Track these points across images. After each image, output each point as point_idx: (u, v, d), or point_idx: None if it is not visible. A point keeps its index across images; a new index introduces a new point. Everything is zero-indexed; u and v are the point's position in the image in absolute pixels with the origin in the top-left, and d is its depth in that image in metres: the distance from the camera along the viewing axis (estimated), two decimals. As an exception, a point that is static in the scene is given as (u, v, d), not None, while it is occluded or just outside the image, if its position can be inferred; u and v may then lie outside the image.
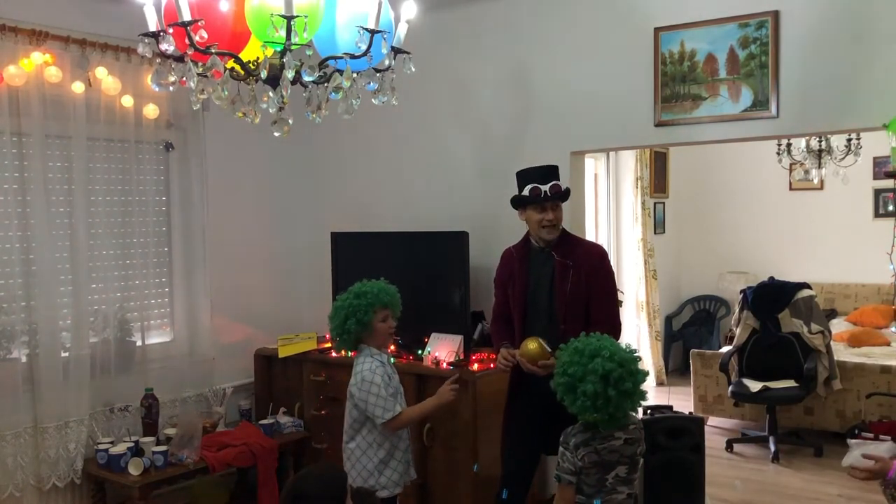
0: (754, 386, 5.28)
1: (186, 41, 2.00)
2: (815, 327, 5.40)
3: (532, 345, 3.13)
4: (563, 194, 3.22)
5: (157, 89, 2.19)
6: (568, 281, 3.17)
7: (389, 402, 3.10)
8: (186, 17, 1.96)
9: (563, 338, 2.89)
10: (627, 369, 2.60)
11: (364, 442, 3.19)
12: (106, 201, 3.99)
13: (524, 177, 3.27)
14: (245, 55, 2.19)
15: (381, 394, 3.09)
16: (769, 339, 5.48)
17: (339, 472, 2.50)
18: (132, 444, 3.76)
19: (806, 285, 5.58)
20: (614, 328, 3.17)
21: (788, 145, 6.58)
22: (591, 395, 2.54)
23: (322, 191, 5.00)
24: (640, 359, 2.72)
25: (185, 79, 2.08)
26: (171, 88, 2.16)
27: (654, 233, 7.30)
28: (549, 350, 3.05)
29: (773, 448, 5.24)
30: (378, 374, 3.13)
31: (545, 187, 3.18)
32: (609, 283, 3.27)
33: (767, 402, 5.33)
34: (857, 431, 5.05)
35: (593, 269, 3.21)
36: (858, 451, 2.64)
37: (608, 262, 3.32)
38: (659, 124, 3.78)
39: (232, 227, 4.59)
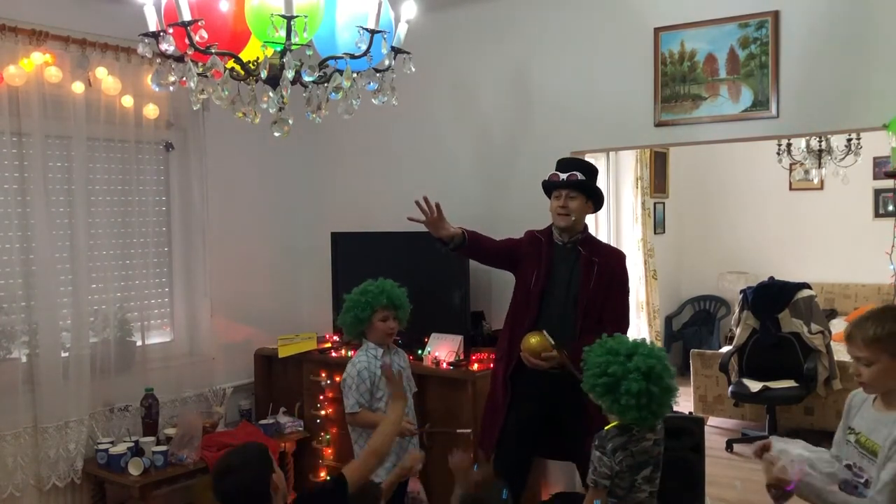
0: (754, 386, 5.28)
1: (186, 41, 2.00)
2: (815, 327, 5.40)
3: (534, 339, 3.14)
4: (578, 183, 3.27)
5: (157, 89, 2.19)
6: (592, 276, 3.24)
7: (353, 397, 3.26)
8: (186, 17, 1.96)
9: (573, 331, 2.89)
10: (663, 365, 2.62)
11: (355, 433, 3.35)
12: (106, 201, 3.98)
13: (557, 165, 3.39)
14: (245, 55, 2.19)
15: (352, 386, 3.27)
16: (769, 339, 5.47)
17: (259, 445, 2.53)
18: (132, 444, 3.76)
19: (806, 285, 5.58)
20: (624, 329, 3.21)
21: (788, 145, 6.57)
22: (636, 393, 2.54)
23: (322, 191, 5.00)
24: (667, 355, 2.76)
25: (185, 79, 2.07)
26: (171, 88, 2.16)
27: (654, 233, 7.29)
28: (552, 343, 3.07)
29: (773, 448, 5.24)
30: (359, 367, 3.29)
31: (564, 175, 3.28)
32: (626, 286, 3.38)
33: (767, 402, 5.33)
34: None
35: (615, 270, 3.32)
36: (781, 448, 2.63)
37: (626, 266, 3.42)
38: (659, 124, 3.78)
39: (232, 228, 4.58)
